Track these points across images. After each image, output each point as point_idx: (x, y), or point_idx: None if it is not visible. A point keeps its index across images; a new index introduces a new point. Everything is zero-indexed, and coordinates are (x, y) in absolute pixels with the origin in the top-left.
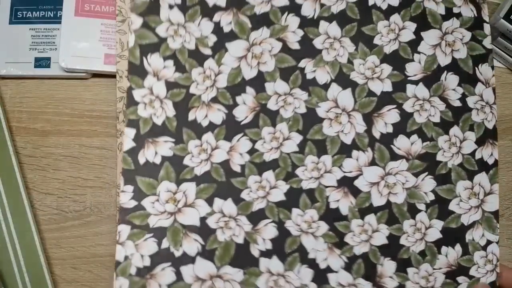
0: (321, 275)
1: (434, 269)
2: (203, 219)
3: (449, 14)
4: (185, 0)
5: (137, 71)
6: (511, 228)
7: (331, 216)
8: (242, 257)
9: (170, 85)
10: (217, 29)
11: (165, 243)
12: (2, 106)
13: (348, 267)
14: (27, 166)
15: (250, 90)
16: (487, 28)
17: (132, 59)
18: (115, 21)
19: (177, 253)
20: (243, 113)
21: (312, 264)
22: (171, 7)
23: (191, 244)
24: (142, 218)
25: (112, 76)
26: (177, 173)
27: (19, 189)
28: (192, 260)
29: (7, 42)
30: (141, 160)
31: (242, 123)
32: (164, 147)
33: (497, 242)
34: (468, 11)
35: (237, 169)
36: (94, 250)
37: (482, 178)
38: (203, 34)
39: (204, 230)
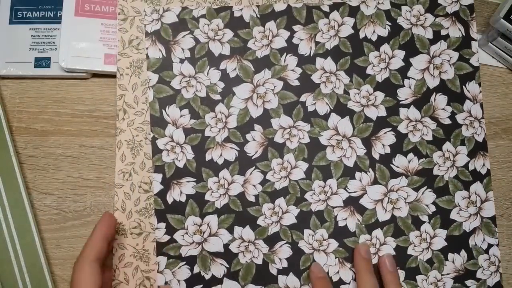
0: (334, 287)
1: (442, 275)
2: (226, 246)
3: (437, 37)
4: (193, 53)
5: (158, 123)
6: (511, 228)
7: (340, 233)
8: (262, 275)
9: (187, 131)
10: (224, 75)
11: (196, 269)
12: (2, 106)
13: None
14: (27, 166)
15: (257, 127)
16: (474, 46)
17: (153, 112)
18: (115, 21)
19: (207, 276)
20: (253, 149)
21: None
22: (182, 61)
23: (218, 268)
24: (175, 250)
25: (112, 76)
26: (200, 208)
27: (19, 189)
28: (220, 281)
29: (7, 42)
30: (169, 200)
31: (253, 157)
32: (187, 186)
33: (497, 245)
34: (456, 31)
35: (252, 199)
36: None
37: (477, 187)
38: (212, 82)
39: (228, 255)
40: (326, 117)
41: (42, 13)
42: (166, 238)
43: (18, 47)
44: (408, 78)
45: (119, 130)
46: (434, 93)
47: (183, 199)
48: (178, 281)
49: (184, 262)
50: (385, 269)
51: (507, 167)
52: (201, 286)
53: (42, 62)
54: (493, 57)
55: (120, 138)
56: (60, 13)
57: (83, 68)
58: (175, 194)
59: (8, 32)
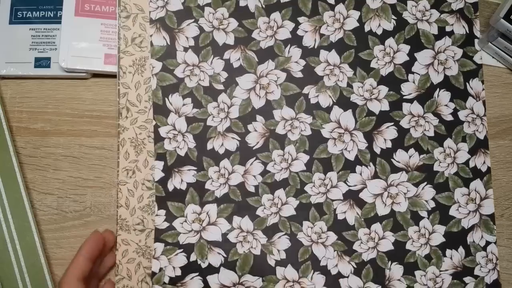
0: (332, 280)
1: (440, 271)
2: (224, 235)
3: (441, 33)
4: (197, 42)
5: (161, 111)
6: (511, 228)
7: (339, 226)
8: (260, 266)
9: (189, 120)
10: (228, 65)
11: (193, 257)
12: (2, 106)
13: (357, 272)
14: (27, 166)
15: (259, 118)
16: (477, 44)
17: (155, 100)
18: (115, 21)
19: (204, 265)
20: (254, 139)
21: (324, 270)
22: (186, 49)
23: (215, 257)
24: (173, 237)
25: (112, 76)
26: (200, 196)
27: (19, 189)
28: (216, 270)
29: (7, 42)
30: (170, 188)
31: (254, 148)
32: (188, 174)
33: (495, 243)
34: (460, 28)
35: (252, 189)
36: None
37: (477, 184)
38: (216, 72)
39: (225, 244)
40: (328, 109)
41: (42, 13)
42: (165, 225)
43: (18, 47)
44: (413, 73)
45: (122, 128)
46: (438, 89)
47: (184, 187)
48: (174, 268)
49: (182, 250)
50: None
51: (507, 167)
52: (197, 274)
53: (42, 62)
54: (493, 57)
55: (124, 136)
56: (60, 13)
57: (83, 68)
58: (176, 182)
59: (8, 32)
